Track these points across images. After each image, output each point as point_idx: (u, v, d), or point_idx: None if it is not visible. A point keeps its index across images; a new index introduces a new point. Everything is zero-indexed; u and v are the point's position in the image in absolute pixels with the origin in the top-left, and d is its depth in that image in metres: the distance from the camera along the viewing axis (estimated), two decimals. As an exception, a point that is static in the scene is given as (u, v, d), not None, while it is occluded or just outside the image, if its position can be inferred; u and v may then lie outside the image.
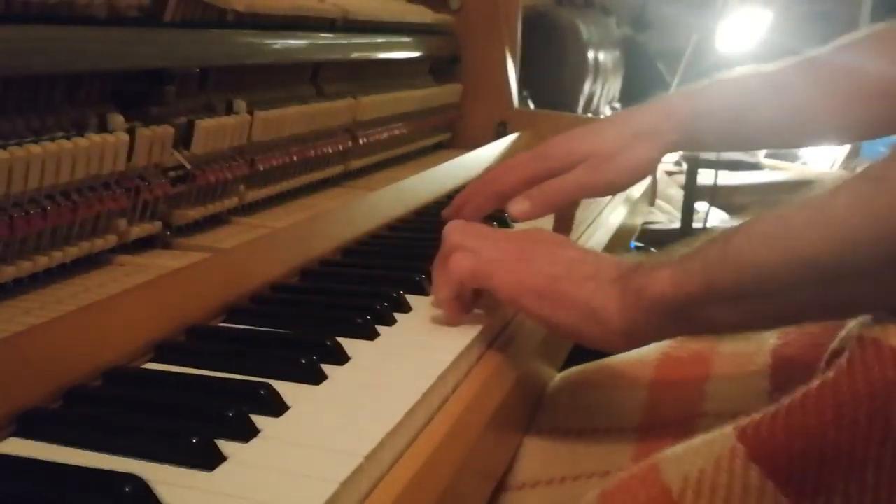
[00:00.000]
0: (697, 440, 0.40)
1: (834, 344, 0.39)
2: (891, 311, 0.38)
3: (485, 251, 0.48)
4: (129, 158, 0.51)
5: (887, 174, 0.35)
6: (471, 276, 0.48)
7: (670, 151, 0.63)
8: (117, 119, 0.51)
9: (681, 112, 0.61)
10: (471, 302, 0.50)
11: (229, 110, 0.63)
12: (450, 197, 0.79)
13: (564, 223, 0.64)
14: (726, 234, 0.40)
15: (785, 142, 0.71)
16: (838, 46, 0.61)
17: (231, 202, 0.63)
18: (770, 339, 0.51)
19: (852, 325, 0.39)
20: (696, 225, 1.74)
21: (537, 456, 0.50)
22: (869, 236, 0.35)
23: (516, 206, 0.58)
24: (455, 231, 0.51)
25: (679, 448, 0.41)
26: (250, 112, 0.64)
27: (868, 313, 0.42)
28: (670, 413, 0.49)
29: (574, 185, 0.59)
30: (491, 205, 0.61)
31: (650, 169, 0.61)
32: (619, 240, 0.89)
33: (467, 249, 0.49)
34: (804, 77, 0.61)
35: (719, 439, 0.39)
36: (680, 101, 0.62)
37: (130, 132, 0.51)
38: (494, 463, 0.47)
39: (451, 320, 0.49)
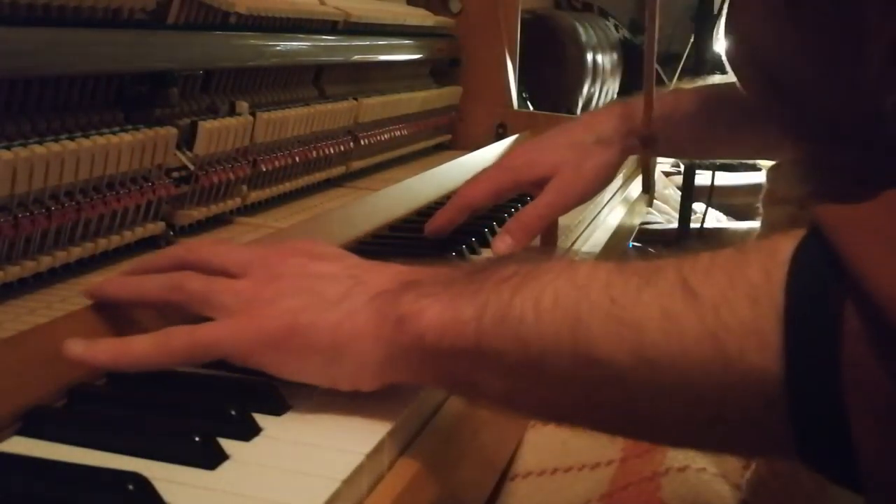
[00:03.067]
0: (702, 480, 0.41)
1: None
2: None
3: (209, 300, 0.37)
4: (132, 160, 0.51)
5: (703, 292, 0.28)
6: (185, 359, 0.37)
7: (631, 155, 0.64)
8: (120, 120, 0.52)
9: (640, 117, 0.62)
10: None
11: (232, 112, 0.64)
12: (450, 197, 0.80)
13: (548, 231, 0.64)
14: (512, 284, 0.32)
15: (737, 153, 0.72)
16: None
17: (234, 202, 0.64)
18: None
19: None
20: (694, 225, 1.75)
21: (531, 448, 0.50)
22: (672, 358, 0.28)
23: (500, 244, 0.59)
24: (177, 278, 0.39)
25: (682, 480, 0.41)
26: (253, 113, 0.64)
27: (668, 443, 0.36)
28: None
29: (547, 208, 0.61)
30: (461, 217, 0.63)
31: (614, 174, 0.63)
32: (617, 240, 0.90)
33: (191, 303, 0.38)
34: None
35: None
36: (640, 105, 0.63)
37: (134, 134, 0.51)
38: (495, 455, 0.47)
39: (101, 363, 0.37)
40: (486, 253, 0.65)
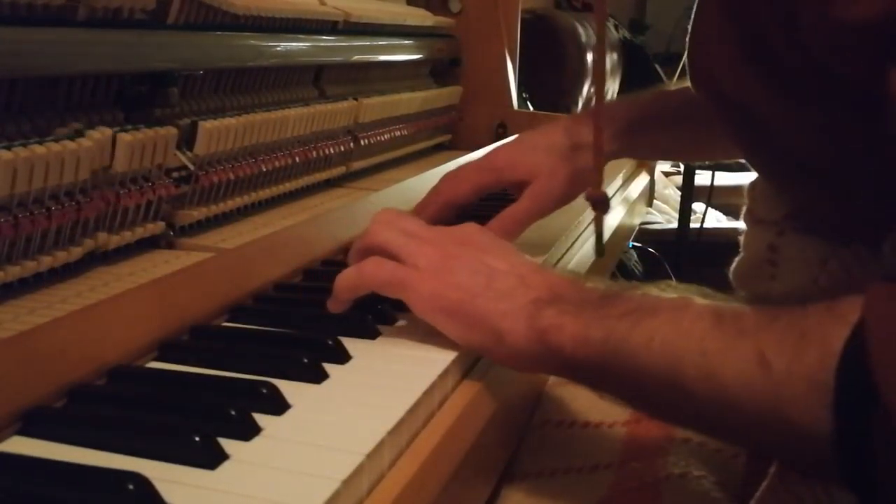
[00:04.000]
0: (702, 488, 0.42)
1: None
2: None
3: (406, 254, 0.46)
4: (132, 160, 0.51)
5: (775, 362, 0.34)
6: (383, 287, 0.46)
7: (609, 161, 0.65)
8: (120, 120, 0.52)
9: (618, 122, 0.63)
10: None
11: (241, 111, 0.64)
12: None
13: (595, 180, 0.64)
14: (633, 319, 0.39)
15: (718, 154, 0.72)
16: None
17: (234, 202, 0.64)
18: None
19: None
20: (694, 225, 1.75)
21: (530, 450, 0.50)
22: (748, 417, 0.35)
23: None
24: (380, 225, 0.48)
25: (683, 487, 0.42)
26: (260, 113, 0.64)
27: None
28: None
29: (524, 214, 0.62)
30: (441, 214, 0.64)
31: (592, 180, 0.63)
32: (617, 240, 0.90)
33: (388, 250, 0.47)
34: None
35: None
36: (617, 111, 0.64)
37: (134, 134, 0.51)
38: (495, 459, 0.47)
39: (334, 307, 0.48)
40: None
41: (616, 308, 0.40)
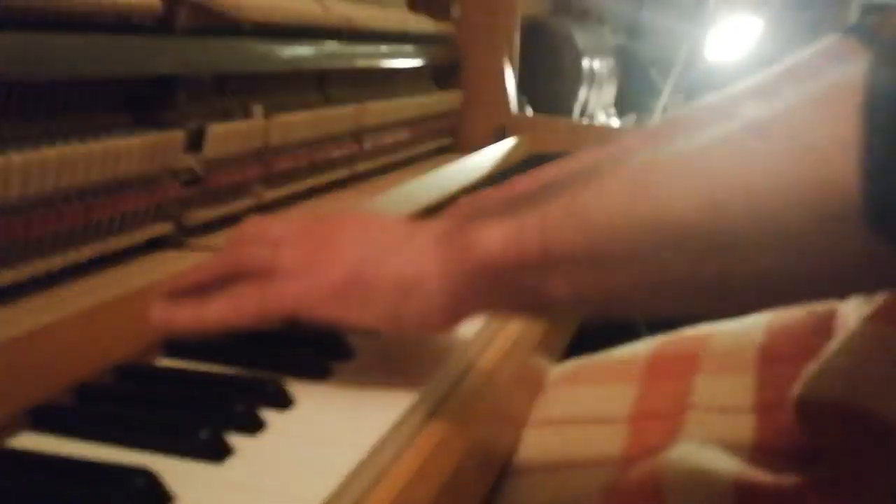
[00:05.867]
0: (700, 465, 0.40)
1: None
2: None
3: (271, 268, 0.38)
4: (140, 163, 0.52)
5: (773, 130, 0.27)
6: (258, 319, 0.38)
7: None
8: (129, 124, 0.52)
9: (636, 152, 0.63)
10: None
11: (247, 115, 0.64)
12: (452, 198, 0.81)
13: None
14: (574, 183, 0.32)
15: None
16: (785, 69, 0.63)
17: (242, 204, 0.64)
18: (757, 339, 0.52)
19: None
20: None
21: (533, 445, 0.51)
22: (748, 202, 0.27)
23: None
24: (237, 245, 0.40)
25: (682, 467, 0.41)
26: (266, 117, 0.65)
27: (740, 304, 0.35)
28: (660, 404, 0.50)
29: None
30: None
31: None
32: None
33: (254, 269, 0.39)
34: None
35: (717, 484, 0.38)
36: (635, 142, 0.65)
37: (142, 137, 0.52)
38: (495, 452, 0.47)
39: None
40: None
41: (543, 195, 0.33)
